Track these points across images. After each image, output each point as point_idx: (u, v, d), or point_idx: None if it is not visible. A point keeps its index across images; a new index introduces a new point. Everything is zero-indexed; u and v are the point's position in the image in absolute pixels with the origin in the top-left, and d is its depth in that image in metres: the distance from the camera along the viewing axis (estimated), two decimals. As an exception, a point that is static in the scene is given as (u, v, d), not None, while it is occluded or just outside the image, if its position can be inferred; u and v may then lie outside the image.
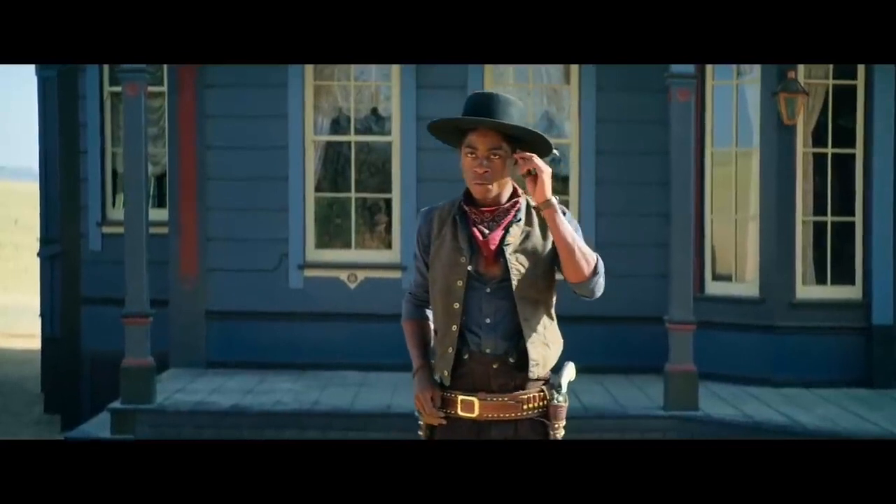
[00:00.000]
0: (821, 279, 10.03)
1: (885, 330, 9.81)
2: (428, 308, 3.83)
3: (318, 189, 10.47)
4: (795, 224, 9.88)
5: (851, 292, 10.00)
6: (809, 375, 9.72)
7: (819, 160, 10.04)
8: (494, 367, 3.63)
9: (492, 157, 3.62)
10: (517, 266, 3.62)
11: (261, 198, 10.32)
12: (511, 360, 3.63)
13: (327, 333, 10.18)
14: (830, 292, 9.99)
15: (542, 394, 3.67)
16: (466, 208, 3.69)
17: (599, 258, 3.69)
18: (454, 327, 3.63)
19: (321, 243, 10.49)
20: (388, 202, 10.45)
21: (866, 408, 8.95)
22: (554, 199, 3.56)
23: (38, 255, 12.73)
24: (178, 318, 10.29)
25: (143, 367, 8.64)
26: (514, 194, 3.72)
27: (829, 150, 10.03)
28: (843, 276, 10.03)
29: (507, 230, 3.65)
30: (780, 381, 9.67)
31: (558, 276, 3.71)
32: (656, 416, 8.63)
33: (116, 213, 10.78)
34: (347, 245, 10.51)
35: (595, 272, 3.66)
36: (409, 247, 10.09)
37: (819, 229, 10.04)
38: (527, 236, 3.67)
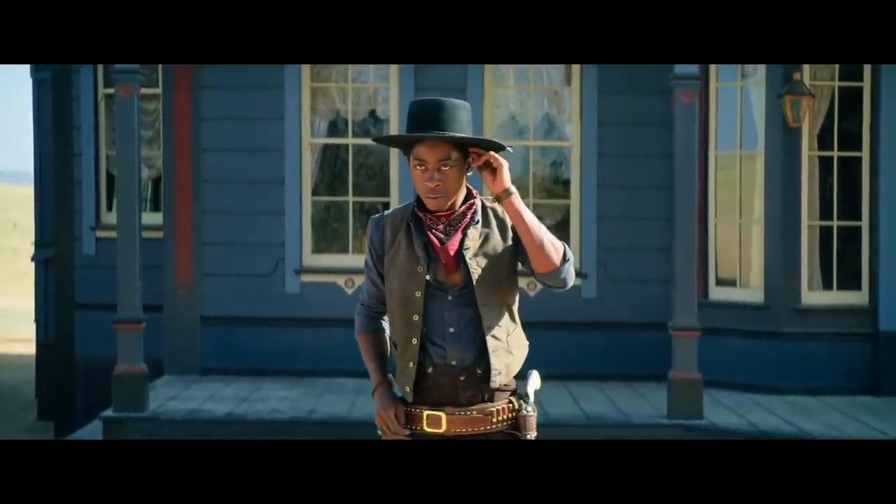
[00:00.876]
0: (827, 284, 9.91)
1: (892, 336, 9.68)
2: (383, 319, 3.66)
3: (315, 192, 10.36)
4: (801, 228, 9.75)
5: (858, 298, 9.87)
6: (815, 383, 9.60)
7: (825, 163, 9.91)
8: (461, 379, 3.46)
9: (442, 168, 3.43)
10: (478, 270, 3.46)
11: (257, 201, 10.22)
12: (479, 370, 3.47)
13: (324, 340, 10.06)
14: (836, 298, 9.86)
15: (510, 405, 3.51)
16: (420, 214, 3.52)
17: (566, 245, 3.49)
18: (414, 340, 3.46)
19: (318, 248, 10.38)
20: (387, 206, 10.32)
21: (874, 416, 8.81)
22: (513, 188, 3.40)
23: (32, 259, 12.61)
24: (173, 323, 10.20)
25: (136, 375, 8.53)
26: (469, 195, 3.55)
27: (835, 154, 9.91)
28: (850, 281, 9.92)
29: (464, 234, 3.49)
30: (786, 389, 9.56)
31: (522, 282, 3.60)
32: (660, 424, 8.49)
33: (111, 216, 10.65)
34: (345, 250, 10.40)
35: (564, 259, 3.44)
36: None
37: (825, 234, 9.92)
38: (485, 238, 3.50)
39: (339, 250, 10.41)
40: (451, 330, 3.46)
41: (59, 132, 11.12)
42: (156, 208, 10.89)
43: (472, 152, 3.45)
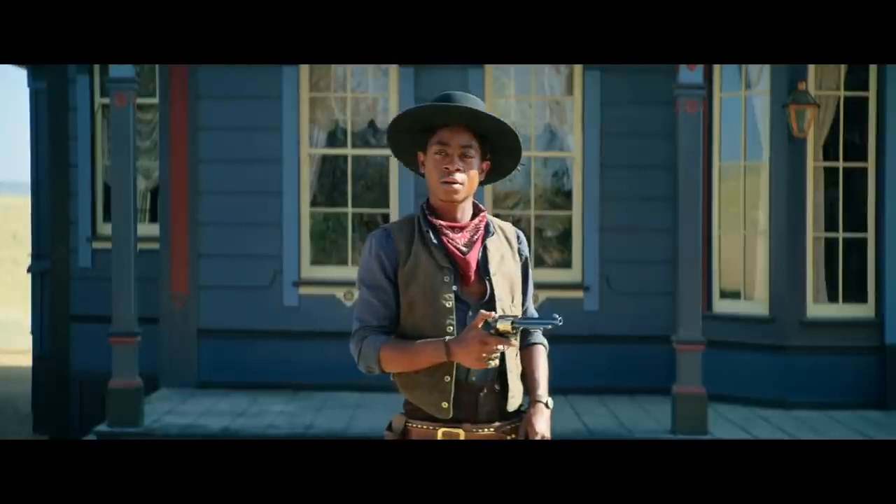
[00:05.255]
0: (832, 297, 9.80)
1: (899, 350, 9.57)
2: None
3: (313, 204, 10.27)
4: (806, 240, 9.65)
5: (864, 310, 9.76)
6: (821, 397, 9.49)
7: (830, 174, 9.80)
8: (482, 394, 3.36)
9: (464, 156, 3.35)
10: (499, 285, 3.38)
11: (254, 212, 10.12)
12: (497, 386, 3.38)
13: (322, 353, 9.96)
14: (842, 311, 9.75)
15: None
16: (436, 222, 3.40)
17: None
18: None
19: (316, 260, 10.28)
20: (386, 217, 10.22)
21: (881, 431, 8.70)
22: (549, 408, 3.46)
23: (28, 270, 12.51)
24: (169, 336, 10.11)
25: (131, 389, 8.42)
26: (478, 209, 3.47)
27: (841, 164, 9.80)
28: (856, 293, 9.81)
29: (484, 246, 3.41)
30: (791, 403, 9.46)
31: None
32: (664, 439, 8.36)
33: (107, 228, 10.55)
34: (343, 262, 10.30)
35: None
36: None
37: (830, 246, 9.81)
38: (502, 258, 3.43)
39: (338, 262, 10.31)
40: None
41: (55, 142, 11.02)
42: (153, 219, 10.80)
43: (485, 162, 3.42)
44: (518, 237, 3.53)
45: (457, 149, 3.35)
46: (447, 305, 3.33)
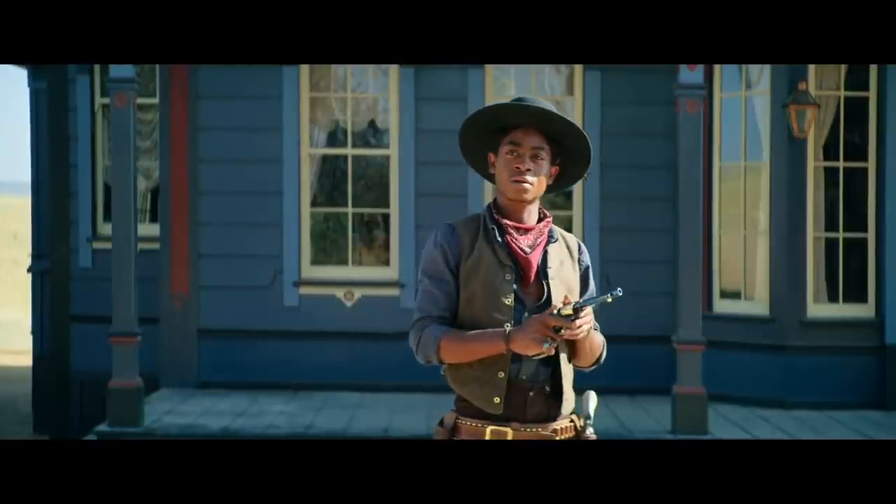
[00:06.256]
0: (832, 297, 9.79)
1: (899, 350, 9.56)
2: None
3: (313, 204, 10.26)
4: (806, 240, 9.64)
5: (864, 311, 9.75)
6: (821, 397, 9.48)
7: (830, 174, 9.80)
8: (531, 394, 3.37)
9: (536, 157, 3.40)
10: (556, 290, 3.40)
11: (254, 213, 10.12)
12: (547, 388, 3.39)
13: (323, 353, 9.97)
14: (842, 311, 9.74)
15: (572, 424, 3.45)
16: (502, 221, 3.43)
17: (604, 346, 3.54)
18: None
19: (317, 260, 10.28)
20: (386, 217, 10.22)
21: (881, 431, 8.69)
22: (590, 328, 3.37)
23: (28, 270, 12.51)
24: (169, 336, 10.10)
25: (131, 389, 8.41)
26: (543, 215, 3.51)
27: (841, 164, 9.79)
28: (856, 294, 9.80)
29: (545, 250, 3.44)
30: (791, 403, 9.45)
31: None
32: (664, 439, 8.35)
33: (107, 228, 10.54)
34: (344, 262, 10.30)
35: (598, 362, 3.56)
36: (408, 264, 9.86)
37: (830, 246, 9.80)
38: (562, 263, 3.47)
39: (339, 262, 10.30)
40: None
41: (55, 142, 11.02)
42: (153, 219, 10.79)
43: (554, 167, 3.47)
44: (579, 247, 3.57)
45: (528, 150, 3.39)
46: (506, 303, 3.36)
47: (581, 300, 3.31)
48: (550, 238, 3.47)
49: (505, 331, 3.29)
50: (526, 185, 3.39)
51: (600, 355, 3.52)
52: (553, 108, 3.41)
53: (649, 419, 8.96)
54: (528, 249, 3.41)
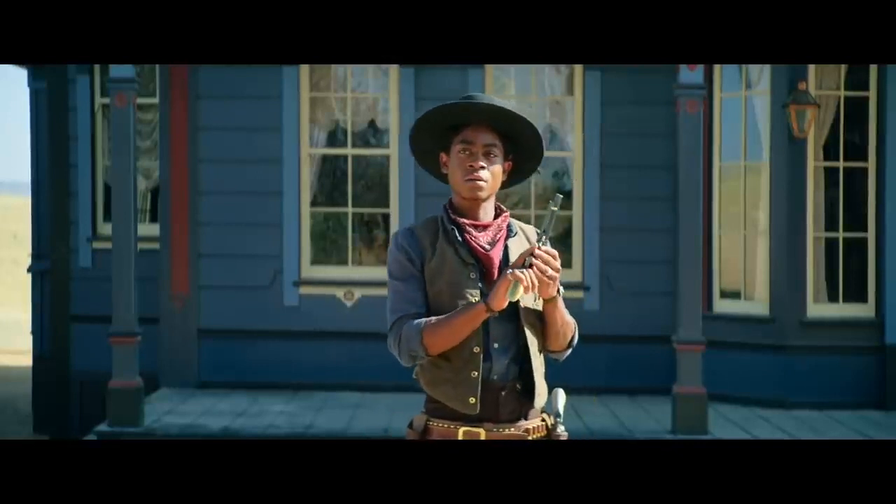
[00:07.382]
0: (833, 297, 9.79)
1: (899, 350, 9.56)
2: None
3: (313, 204, 10.26)
4: (806, 240, 9.64)
5: (864, 310, 9.75)
6: (821, 397, 9.49)
7: (830, 174, 9.79)
8: (503, 393, 3.36)
9: (488, 154, 3.40)
10: None
11: (254, 212, 10.12)
12: (518, 386, 3.38)
13: (323, 353, 9.97)
14: (842, 311, 9.74)
15: (543, 423, 3.44)
16: (459, 221, 3.43)
17: (576, 328, 3.49)
18: (476, 348, 3.34)
19: (316, 260, 10.27)
20: (386, 217, 10.22)
21: (881, 431, 8.69)
22: (558, 291, 3.34)
23: (28, 270, 12.51)
24: (169, 336, 10.10)
25: (131, 389, 8.41)
26: (500, 210, 3.51)
27: (841, 164, 9.79)
28: (856, 293, 9.80)
29: (506, 245, 3.43)
30: (791, 403, 9.45)
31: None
32: (664, 439, 8.35)
33: (107, 228, 10.55)
34: (344, 262, 10.30)
35: (569, 346, 3.49)
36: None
37: (830, 246, 9.80)
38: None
39: (339, 262, 10.30)
40: (496, 345, 3.36)
41: (55, 142, 11.02)
42: (153, 219, 10.79)
43: (507, 162, 3.46)
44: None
45: (481, 147, 3.39)
46: (472, 301, 3.35)
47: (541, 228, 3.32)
48: (510, 233, 3.46)
49: (481, 300, 3.29)
50: (480, 183, 3.38)
51: (573, 337, 3.48)
52: (505, 105, 3.40)
53: (649, 419, 8.96)
54: (487, 246, 3.41)
